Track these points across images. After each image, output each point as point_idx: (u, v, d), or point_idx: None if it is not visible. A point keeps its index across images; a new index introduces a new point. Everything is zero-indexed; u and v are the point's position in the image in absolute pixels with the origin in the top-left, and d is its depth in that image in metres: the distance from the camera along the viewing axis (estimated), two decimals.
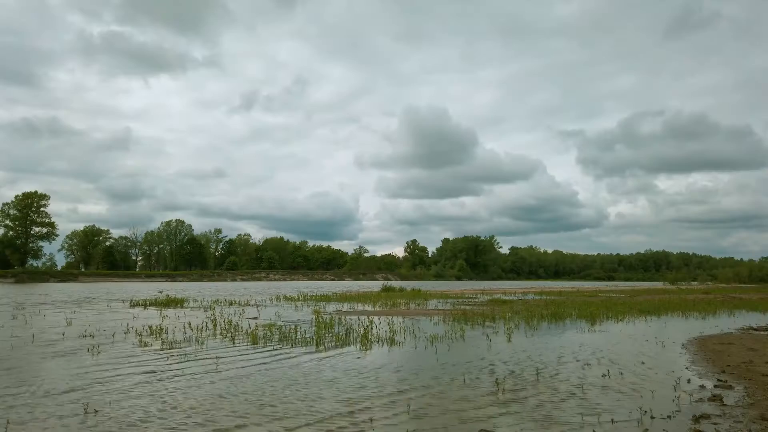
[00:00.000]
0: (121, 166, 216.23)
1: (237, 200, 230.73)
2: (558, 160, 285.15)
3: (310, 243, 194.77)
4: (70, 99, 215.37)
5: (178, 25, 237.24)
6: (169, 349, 12.07)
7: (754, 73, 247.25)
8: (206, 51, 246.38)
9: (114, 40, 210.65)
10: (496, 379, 8.71)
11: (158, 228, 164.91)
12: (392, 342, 13.21)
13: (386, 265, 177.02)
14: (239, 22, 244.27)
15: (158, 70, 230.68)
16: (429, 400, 7.51)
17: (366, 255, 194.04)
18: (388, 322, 17.53)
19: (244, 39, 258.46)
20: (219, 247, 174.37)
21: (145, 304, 28.48)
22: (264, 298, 37.33)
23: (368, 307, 26.24)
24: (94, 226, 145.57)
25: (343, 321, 18.12)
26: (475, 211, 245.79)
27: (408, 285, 61.37)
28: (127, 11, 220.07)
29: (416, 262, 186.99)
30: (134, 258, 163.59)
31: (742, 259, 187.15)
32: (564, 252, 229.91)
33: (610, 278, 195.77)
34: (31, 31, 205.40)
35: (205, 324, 16.69)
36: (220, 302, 30.87)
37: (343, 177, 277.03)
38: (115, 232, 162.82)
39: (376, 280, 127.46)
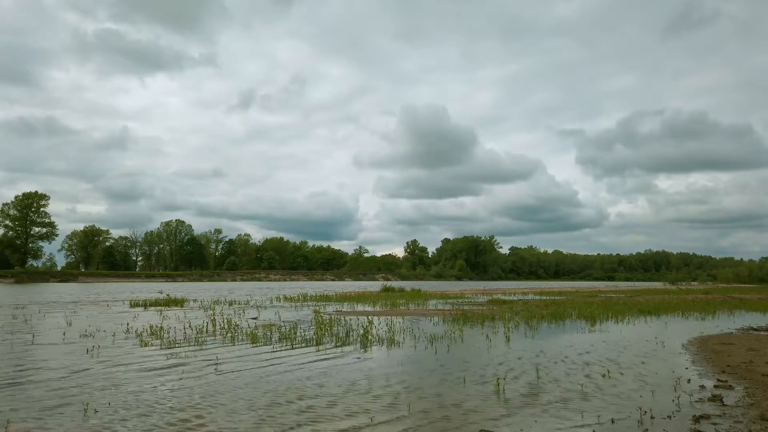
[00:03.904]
0: (120, 165, 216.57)
1: (236, 200, 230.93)
2: (558, 160, 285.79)
3: (310, 243, 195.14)
4: (67, 98, 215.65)
5: (174, 23, 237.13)
6: (169, 349, 12.07)
7: (754, 72, 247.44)
8: (203, 49, 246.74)
9: (109, 39, 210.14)
10: (497, 379, 8.70)
11: (158, 228, 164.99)
12: (392, 342, 13.21)
13: (386, 266, 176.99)
14: (236, 20, 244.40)
15: (155, 68, 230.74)
16: (429, 401, 7.51)
17: (366, 255, 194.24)
18: (388, 323, 17.53)
19: (241, 38, 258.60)
20: (219, 248, 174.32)
21: (146, 304, 28.49)
22: (264, 298, 37.34)
23: (368, 308, 26.24)
24: (94, 226, 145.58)
25: (343, 321, 18.12)
26: (474, 211, 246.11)
27: (408, 285, 61.38)
28: (122, 9, 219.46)
29: (416, 262, 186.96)
30: (134, 258, 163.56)
31: (742, 259, 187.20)
32: (564, 252, 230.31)
33: (610, 278, 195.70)
34: (27, 30, 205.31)
35: (205, 324, 16.69)
36: (220, 302, 30.87)
37: (343, 177, 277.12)
38: (114, 232, 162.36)
39: (376, 280, 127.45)
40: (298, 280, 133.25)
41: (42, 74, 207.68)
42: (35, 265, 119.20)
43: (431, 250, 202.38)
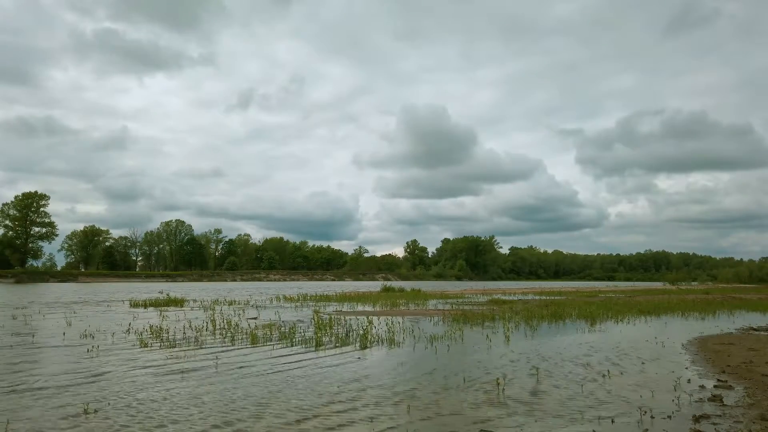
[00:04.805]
0: (119, 165, 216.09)
1: (236, 200, 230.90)
2: (558, 160, 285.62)
3: (310, 243, 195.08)
4: (66, 98, 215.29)
5: (173, 22, 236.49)
6: (169, 349, 12.07)
7: (754, 71, 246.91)
8: (202, 49, 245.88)
9: (108, 38, 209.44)
10: (496, 379, 8.70)
11: (158, 228, 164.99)
12: (392, 342, 13.21)
13: (386, 266, 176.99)
14: (235, 20, 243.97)
15: (154, 68, 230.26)
16: (428, 401, 7.51)
17: (366, 255, 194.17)
18: (388, 323, 17.52)
19: (240, 37, 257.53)
20: (219, 248, 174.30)
21: (146, 304, 28.48)
22: (264, 298, 37.34)
23: (368, 308, 26.24)
24: (94, 226, 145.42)
25: (343, 321, 18.12)
26: (474, 211, 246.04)
27: (408, 285, 61.36)
28: (120, 8, 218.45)
29: (416, 262, 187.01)
30: (134, 258, 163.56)
31: (742, 259, 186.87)
32: (564, 252, 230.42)
33: (610, 278, 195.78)
34: (27, 30, 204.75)
35: (205, 324, 16.69)
36: (220, 302, 30.87)
37: (342, 177, 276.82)
38: (114, 232, 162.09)
39: (376, 280, 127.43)
40: (298, 280, 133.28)
41: (41, 74, 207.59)
42: (35, 265, 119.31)
43: (431, 250, 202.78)
